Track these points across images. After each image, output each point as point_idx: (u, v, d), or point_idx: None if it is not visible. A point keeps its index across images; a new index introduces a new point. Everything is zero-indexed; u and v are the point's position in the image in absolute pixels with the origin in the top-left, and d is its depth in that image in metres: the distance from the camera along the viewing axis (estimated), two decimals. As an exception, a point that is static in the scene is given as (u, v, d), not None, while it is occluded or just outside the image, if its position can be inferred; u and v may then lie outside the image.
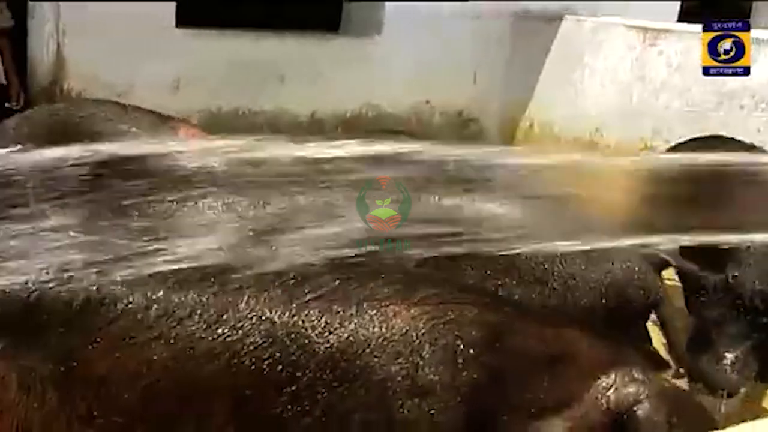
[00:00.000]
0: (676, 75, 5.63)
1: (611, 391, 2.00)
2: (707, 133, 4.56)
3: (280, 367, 1.91)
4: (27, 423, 1.88)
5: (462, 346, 1.98)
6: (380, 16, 6.37)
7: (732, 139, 4.13)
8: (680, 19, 6.72)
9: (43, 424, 1.88)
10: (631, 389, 2.00)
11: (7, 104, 5.26)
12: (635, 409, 1.98)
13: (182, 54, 5.70)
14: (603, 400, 1.99)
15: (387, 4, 6.31)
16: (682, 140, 4.29)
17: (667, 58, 5.71)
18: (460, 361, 1.97)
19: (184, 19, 5.73)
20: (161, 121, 3.58)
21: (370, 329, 1.97)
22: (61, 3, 5.40)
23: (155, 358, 1.89)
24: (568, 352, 2.05)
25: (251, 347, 1.91)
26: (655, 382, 2.07)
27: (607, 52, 6.17)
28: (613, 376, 2.02)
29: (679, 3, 7.06)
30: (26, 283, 1.91)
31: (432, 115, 6.64)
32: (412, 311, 2.00)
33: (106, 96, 5.48)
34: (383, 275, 2.12)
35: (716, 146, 4.02)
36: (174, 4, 5.68)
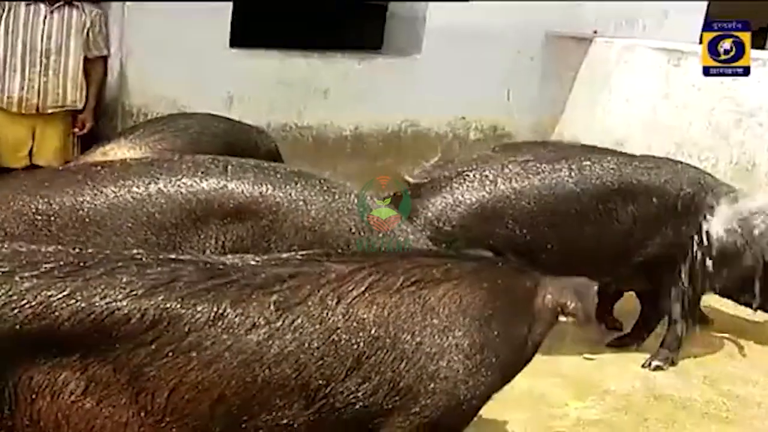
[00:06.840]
0: (699, 94, 5.72)
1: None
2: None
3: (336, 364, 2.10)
4: (95, 429, 1.94)
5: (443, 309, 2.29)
6: (419, 37, 6.48)
7: None
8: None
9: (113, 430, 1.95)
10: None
11: (75, 130, 5.40)
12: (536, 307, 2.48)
13: (235, 72, 5.83)
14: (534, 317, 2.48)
15: (426, 24, 6.44)
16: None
17: (690, 78, 5.78)
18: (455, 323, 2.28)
19: (237, 40, 5.89)
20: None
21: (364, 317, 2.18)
22: (125, 26, 5.53)
23: (223, 367, 1.97)
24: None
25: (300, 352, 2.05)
26: (555, 284, 2.52)
27: (633, 71, 6.22)
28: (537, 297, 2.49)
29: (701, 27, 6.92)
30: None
31: (468, 130, 6.74)
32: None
33: (168, 111, 5.80)
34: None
35: None
36: (228, 26, 5.84)
